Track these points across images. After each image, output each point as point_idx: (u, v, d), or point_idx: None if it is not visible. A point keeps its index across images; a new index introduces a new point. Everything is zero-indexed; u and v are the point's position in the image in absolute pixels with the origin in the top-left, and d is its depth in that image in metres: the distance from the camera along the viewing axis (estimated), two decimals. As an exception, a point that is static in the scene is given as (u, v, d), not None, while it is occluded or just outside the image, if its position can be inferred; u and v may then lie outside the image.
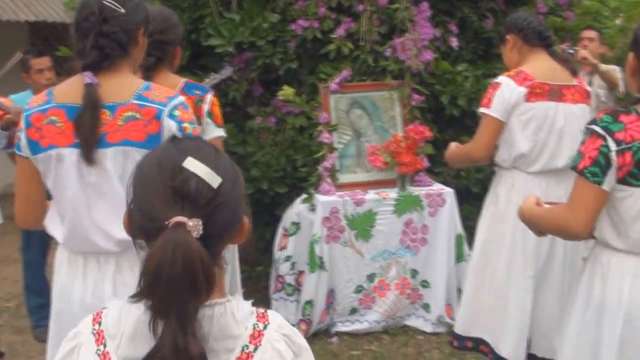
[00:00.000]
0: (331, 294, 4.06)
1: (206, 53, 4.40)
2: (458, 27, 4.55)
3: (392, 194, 4.10)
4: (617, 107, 2.13)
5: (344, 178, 4.18)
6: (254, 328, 1.20)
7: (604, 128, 1.97)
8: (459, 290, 4.25)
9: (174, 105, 1.98)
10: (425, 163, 4.22)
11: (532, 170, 3.06)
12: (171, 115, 1.96)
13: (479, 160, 3.23)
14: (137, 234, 1.18)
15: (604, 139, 1.96)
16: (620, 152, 1.94)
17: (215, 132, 2.60)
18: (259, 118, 4.37)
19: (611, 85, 4.86)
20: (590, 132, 2.00)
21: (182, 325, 1.07)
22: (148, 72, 2.54)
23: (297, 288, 4.13)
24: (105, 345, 1.17)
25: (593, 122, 2.03)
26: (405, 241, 4.12)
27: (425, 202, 4.12)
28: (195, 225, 1.10)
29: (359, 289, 4.10)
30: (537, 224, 2.26)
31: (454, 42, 4.45)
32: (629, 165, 1.94)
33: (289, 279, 4.15)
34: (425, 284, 4.20)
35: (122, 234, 1.95)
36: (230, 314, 1.16)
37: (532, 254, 3.05)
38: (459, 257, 4.25)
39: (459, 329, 3.33)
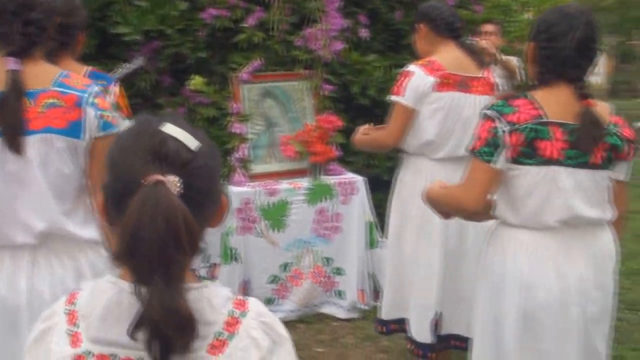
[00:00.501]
0: (246, 285, 4.09)
1: (114, 42, 4.31)
2: (368, 18, 4.65)
3: (305, 183, 4.17)
4: (510, 93, 2.29)
5: (256, 168, 4.22)
6: (230, 315, 1.18)
7: (496, 111, 2.13)
8: (372, 276, 4.40)
9: (93, 93, 1.99)
10: (337, 152, 4.31)
11: (437, 157, 3.20)
12: (92, 104, 1.96)
13: (389, 146, 3.34)
14: (112, 214, 1.15)
15: (496, 121, 2.12)
16: (510, 133, 2.09)
17: (123, 125, 2.56)
18: (168, 109, 4.33)
19: (510, 74, 5.10)
20: (483, 116, 2.17)
21: (168, 285, 1.06)
22: (50, 57, 2.48)
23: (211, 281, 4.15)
24: (77, 326, 1.16)
25: (487, 107, 2.20)
26: (318, 230, 4.21)
27: (338, 191, 4.22)
28: (173, 182, 1.09)
29: (273, 279, 4.16)
30: (438, 205, 2.42)
31: (364, 33, 4.55)
32: (520, 145, 2.10)
33: (203, 272, 4.15)
34: (338, 271, 4.30)
35: (41, 224, 1.94)
36: (205, 299, 1.15)
37: (439, 237, 3.20)
38: (371, 244, 4.38)
39: (383, 314, 3.48)
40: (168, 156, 1.11)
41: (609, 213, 2.24)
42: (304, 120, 4.33)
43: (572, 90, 2.15)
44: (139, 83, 4.30)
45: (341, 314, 4.30)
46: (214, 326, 1.15)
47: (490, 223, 2.46)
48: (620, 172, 2.24)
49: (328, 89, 4.39)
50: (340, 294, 4.31)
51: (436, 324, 3.29)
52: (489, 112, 2.16)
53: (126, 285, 1.12)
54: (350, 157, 4.64)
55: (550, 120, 2.11)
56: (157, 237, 1.05)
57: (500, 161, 2.12)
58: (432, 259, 3.23)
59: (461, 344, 3.29)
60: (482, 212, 2.28)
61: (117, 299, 1.12)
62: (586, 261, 2.19)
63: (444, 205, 2.41)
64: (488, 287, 2.30)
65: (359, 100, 4.58)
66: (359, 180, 4.31)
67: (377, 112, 4.71)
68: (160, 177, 1.08)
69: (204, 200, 1.15)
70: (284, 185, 4.13)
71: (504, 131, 2.10)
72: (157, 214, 1.05)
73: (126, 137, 1.17)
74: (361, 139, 3.41)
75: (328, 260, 4.28)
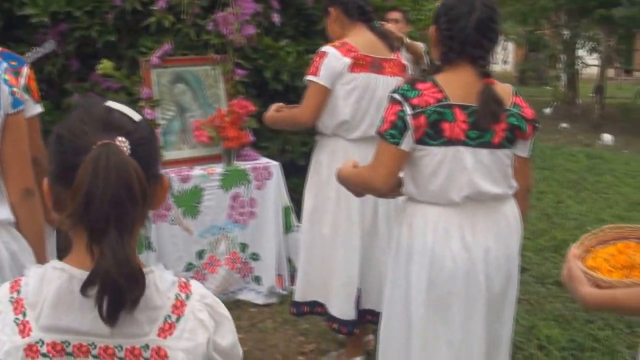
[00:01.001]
0: (161, 273, 4.06)
1: (20, 24, 4.19)
2: (280, 3, 4.67)
3: (219, 169, 4.18)
4: (415, 77, 2.39)
5: (168, 155, 4.19)
6: (177, 298, 1.24)
7: (402, 95, 2.23)
8: (289, 261, 4.45)
9: (2, 69, 1.97)
10: (251, 137, 4.33)
11: (352, 137, 3.28)
12: (4, 80, 1.94)
13: (303, 124, 3.39)
14: (61, 190, 1.18)
15: (401, 104, 2.21)
16: (415, 116, 2.20)
17: (34, 109, 2.50)
18: (76, 95, 4.24)
19: (416, 58, 5.24)
20: (390, 99, 2.26)
21: (122, 237, 1.11)
22: None
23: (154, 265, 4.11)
24: (24, 315, 1.17)
25: (394, 90, 2.29)
26: (234, 215, 4.23)
27: (252, 176, 4.24)
28: (122, 142, 1.16)
29: (189, 267, 4.16)
30: (349, 183, 2.51)
31: (276, 18, 4.58)
32: (424, 127, 2.21)
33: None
34: (255, 256, 4.34)
35: None
36: (153, 285, 1.20)
37: (357, 216, 3.29)
38: (287, 229, 4.44)
39: (297, 297, 3.54)
40: (115, 124, 1.19)
41: (511, 188, 2.38)
42: (216, 105, 4.32)
43: (474, 70, 2.26)
44: (47, 67, 4.20)
45: (259, 299, 4.33)
46: (162, 310, 1.21)
47: (400, 200, 2.58)
48: (523, 149, 2.38)
49: (240, 74, 4.40)
50: (257, 280, 4.35)
51: (357, 301, 3.40)
52: (395, 95, 2.25)
53: (77, 272, 1.16)
54: (264, 142, 4.68)
55: (452, 102, 2.22)
56: (111, 189, 1.11)
57: (406, 143, 2.22)
58: (352, 238, 3.32)
59: (374, 318, 3.42)
60: (391, 190, 2.38)
61: (68, 287, 1.15)
62: (491, 233, 2.31)
63: (354, 185, 2.50)
64: (398, 260, 2.41)
65: (272, 85, 4.62)
66: (273, 165, 4.34)
67: (291, 97, 4.75)
68: (109, 140, 1.15)
69: (147, 173, 1.19)
70: (197, 171, 4.12)
71: (409, 114, 2.20)
72: (110, 168, 1.11)
73: (74, 115, 1.23)
74: (274, 115, 3.46)
75: (244, 246, 4.31)
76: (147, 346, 1.19)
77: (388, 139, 2.23)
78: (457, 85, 2.24)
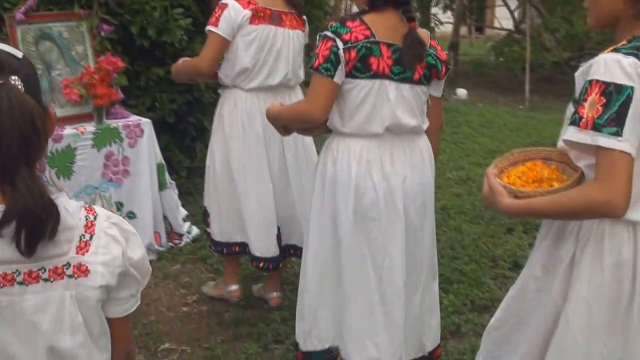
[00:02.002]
0: (34, 236, 4.07)
1: None
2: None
3: (90, 127, 4.20)
4: (344, 17, 2.64)
5: (36, 115, 4.14)
6: (86, 219, 1.40)
7: (333, 32, 2.47)
8: (165, 217, 4.57)
9: None
10: (120, 95, 4.37)
11: (250, 87, 3.47)
12: None
13: (204, 74, 3.51)
14: None
15: (334, 40, 2.46)
16: (346, 50, 2.44)
17: None
18: None
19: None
20: (322, 37, 2.50)
21: (32, 172, 1.24)
22: None
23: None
24: None
25: (325, 29, 2.52)
26: (108, 174, 4.28)
27: (124, 134, 4.30)
28: (15, 79, 1.25)
29: (64, 228, 4.17)
30: (282, 119, 2.73)
31: (140, -29, 4.60)
32: (354, 60, 2.46)
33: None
34: (131, 215, 4.42)
35: None
36: (63, 208, 1.33)
37: (265, 163, 3.54)
38: (162, 186, 4.56)
39: (220, 238, 3.72)
40: (4, 64, 1.29)
41: (424, 124, 2.70)
42: (83, 63, 4.31)
43: (398, 14, 2.55)
44: None
45: (137, 257, 4.42)
46: (76, 230, 1.37)
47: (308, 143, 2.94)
48: (437, 89, 2.72)
49: (106, 30, 4.41)
50: (134, 238, 4.43)
51: (279, 238, 3.66)
52: (327, 33, 2.49)
53: None
54: (133, 100, 4.74)
55: (379, 40, 2.49)
56: (18, 127, 1.22)
57: (339, 76, 2.47)
58: (264, 184, 3.55)
59: (296, 252, 3.73)
60: (323, 124, 2.63)
61: None
62: (408, 164, 2.62)
63: (289, 119, 2.72)
64: (323, 191, 2.67)
65: (138, 41, 4.66)
66: (144, 122, 4.42)
67: (157, 53, 4.84)
68: (3, 80, 1.25)
69: (40, 106, 1.32)
70: (69, 130, 4.12)
71: (341, 49, 2.44)
72: (13, 107, 1.23)
73: None
74: (177, 65, 3.60)
75: (120, 204, 4.38)
76: (68, 264, 1.35)
77: (323, 72, 2.46)
78: (382, 25, 2.51)
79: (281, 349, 3.41)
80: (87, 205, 1.43)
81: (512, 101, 11.75)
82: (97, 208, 1.44)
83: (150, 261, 4.30)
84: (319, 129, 2.73)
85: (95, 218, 1.41)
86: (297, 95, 3.61)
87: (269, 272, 3.83)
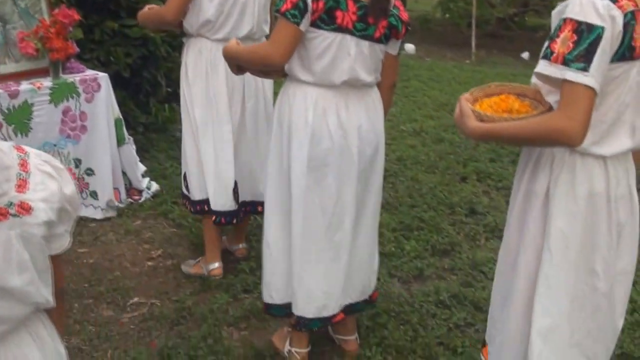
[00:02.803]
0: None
1: None
2: None
3: (47, 82, 4.15)
4: None
5: (-8, 70, 4.08)
6: (20, 158, 1.44)
7: None
8: (124, 174, 4.58)
9: None
10: (76, 48, 4.31)
11: (216, 37, 3.47)
12: None
13: (169, 23, 3.49)
14: None
15: None
16: (315, 0, 2.49)
17: None
18: None
19: None
20: None
21: None
22: None
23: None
24: None
25: None
26: (65, 131, 4.25)
27: (81, 89, 4.27)
28: None
29: (23, 186, 4.14)
30: (240, 59, 2.75)
31: None
32: (321, 11, 2.52)
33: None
34: (90, 171, 4.41)
35: None
36: None
37: (226, 109, 3.53)
38: (120, 141, 4.54)
39: (201, 195, 3.70)
40: None
41: (377, 80, 2.77)
42: (38, 16, 4.24)
43: None
44: None
45: (98, 214, 4.43)
46: (12, 169, 1.43)
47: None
48: (394, 48, 2.78)
49: (59, -18, 4.34)
50: (94, 195, 4.44)
51: (235, 192, 3.67)
52: None
53: None
54: (87, 55, 4.69)
55: None
56: None
57: (304, 24, 2.52)
58: (223, 134, 3.55)
59: (247, 208, 3.77)
60: (280, 69, 2.67)
61: None
62: (362, 113, 2.71)
63: (247, 60, 2.73)
64: (280, 137, 2.74)
65: (92, -6, 4.60)
66: (101, 76, 4.38)
67: (111, 6, 4.79)
68: None
69: None
70: (25, 86, 4.06)
71: None
72: None
73: None
74: (144, 12, 3.57)
75: (78, 161, 4.36)
76: (11, 203, 1.40)
77: (289, 18, 2.50)
78: None
79: (250, 298, 3.49)
80: (16, 145, 1.48)
81: (459, 56, 11.93)
82: (25, 147, 1.50)
83: (111, 218, 4.42)
84: (275, 73, 2.79)
85: (27, 156, 1.47)
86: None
87: (225, 226, 3.84)
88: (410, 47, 11.84)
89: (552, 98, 1.93)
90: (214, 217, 3.65)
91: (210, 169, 3.60)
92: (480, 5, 12.38)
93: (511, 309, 2.09)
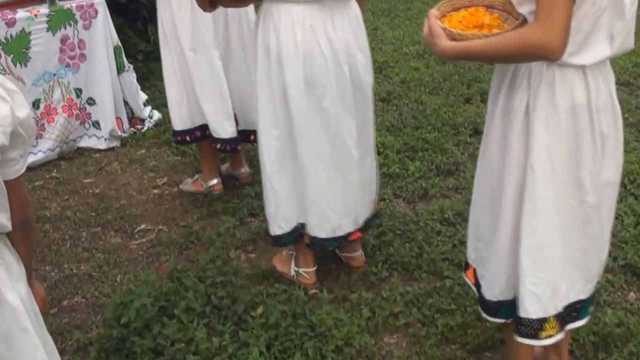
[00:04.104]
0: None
1: None
2: None
3: (43, 9, 4.13)
4: None
5: (-14, -2, 4.05)
6: None
7: None
8: (126, 103, 4.58)
9: None
10: (71, -25, 4.28)
11: None
12: None
13: None
14: None
15: None
16: None
17: None
18: None
19: None
20: None
21: None
22: None
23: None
24: None
25: None
26: (64, 59, 4.25)
27: (78, 15, 4.24)
28: None
29: (24, 117, 4.15)
30: None
31: None
32: None
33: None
34: (91, 101, 4.42)
35: None
36: None
37: (212, 38, 3.48)
38: (120, 69, 4.54)
39: (180, 126, 3.70)
40: None
41: None
42: (31, -60, 4.19)
43: None
44: None
45: (101, 144, 4.47)
46: None
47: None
48: None
49: None
50: (96, 125, 4.46)
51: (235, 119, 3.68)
52: None
53: None
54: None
55: None
56: None
57: None
58: (212, 60, 3.51)
59: (248, 136, 3.76)
60: None
61: None
62: (347, 27, 2.68)
63: None
64: (268, 64, 2.67)
65: None
66: (98, 2, 4.34)
67: None
68: None
69: None
70: (22, 13, 4.04)
71: None
72: None
73: None
74: None
75: (78, 91, 4.37)
76: None
77: None
78: None
79: (257, 221, 3.55)
80: None
81: (462, -24, 11.72)
82: None
83: (114, 147, 4.45)
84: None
85: None
86: None
87: (228, 153, 3.86)
88: (412, -32, 11.62)
89: (525, 8, 1.82)
90: (218, 145, 3.66)
91: (209, 97, 3.57)
92: None
93: (501, 231, 2.05)
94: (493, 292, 2.15)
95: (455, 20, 1.90)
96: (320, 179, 2.79)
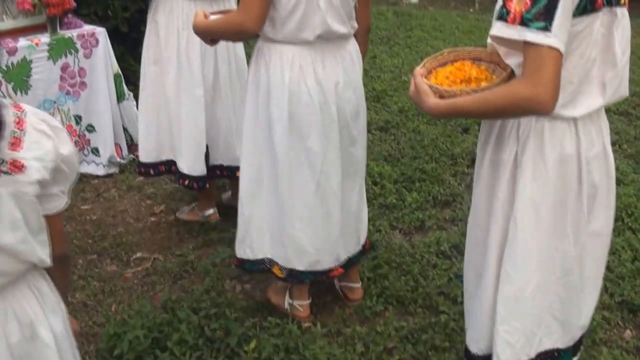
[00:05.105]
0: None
1: None
2: None
3: (44, 38, 4.14)
4: None
5: (-12, 27, 4.06)
6: (16, 116, 1.45)
7: None
8: (125, 130, 4.58)
9: None
10: (73, 3, 4.27)
11: None
12: None
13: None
14: None
15: None
16: None
17: None
18: None
19: None
20: None
21: None
22: None
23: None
24: None
25: None
26: (65, 87, 4.25)
27: (79, 44, 4.25)
28: None
29: (24, 144, 4.15)
30: (212, 33, 2.71)
31: None
32: None
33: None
34: (90, 128, 4.42)
35: None
36: None
37: (199, 73, 3.47)
38: (120, 97, 4.54)
39: (149, 158, 3.69)
40: None
41: (353, 29, 2.72)
42: (33, -30, 4.20)
43: None
44: None
45: (100, 171, 4.46)
46: (7, 127, 1.42)
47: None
48: None
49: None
50: (95, 151, 4.45)
51: (206, 157, 3.65)
52: None
53: None
54: (85, 10, 4.65)
55: None
56: None
57: None
58: (195, 96, 3.50)
59: (223, 172, 3.76)
60: (258, 31, 2.60)
61: None
62: (339, 68, 2.67)
63: (220, 32, 2.69)
64: (257, 98, 2.69)
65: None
66: (99, 31, 4.36)
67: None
68: None
69: None
70: (23, 42, 4.05)
71: None
72: None
73: None
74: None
75: (78, 118, 4.37)
76: (3, 161, 1.41)
77: None
78: None
79: (253, 251, 3.52)
80: (14, 103, 1.47)
81: (463, 4, 11.76)
82: (24, 105, 1.49)
83: (113, 174, 4.43)
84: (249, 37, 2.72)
85: (23, 114, 1.46)
86: (231, 3, 3.51)
87: (194, 191, 3.83)
88: (413, -4, 11.68)
89: (512, 60, 1.78)
90: (186, 182, 3.62)
91: (182, 131, 3.55)
92: (484, -48, 12.16)
93: (485, 282, 2.02)
94: (478, 345, 2.12)
95: (441, 76, 1.86)
96: (301, 215, 2.76)
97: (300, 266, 2.84)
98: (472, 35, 8.55)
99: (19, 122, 1.44)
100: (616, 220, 3.68)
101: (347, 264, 2.98)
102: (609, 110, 5.22)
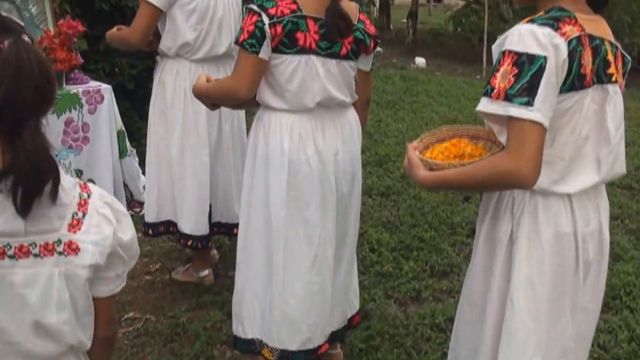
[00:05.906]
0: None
1: None
2: None
3: (50, 93, 4.15)
4: None
5: (-6, 81, 4.09)
6: (80, 197, 1.42)
7: (259, 6, 2.43)
8: (126, 186, 4.57)
9: None
10: (80, 59, 4.32)
11: (195, 57, 3.43)
12: None
13: (133, 45, 3.39)
14: None
15: (259, 15, 2.42)
16: (272, 25, 2.41)
17: None
18: None
19: None
20: (248, 11, 2.46)
21: (38, 124, 1.30)
22: None
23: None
24: None
25: (251, 1, 2.47)
26: (67, 141, 4.25)
27: (84, 100, 4.27)
28: (26, 37, 1.29)
29: (23, 196, 4.14)
30: (209, 96, 2.69)
31: None
32: (280, 36, 2.43)
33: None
34: (91, 182, 4.39)
35: None
36: (59, 183, 1.35)
37: (205, 134, 3.49)
38: (122, 153, 4.54)
39: (150, 218, 3.68)
40: (11, 25, 1.33)
41: (353, 98, 2.71)
42: (43, 27, 4.26)
43: None
44: None
45: (101, 225, 4.42)
46: (69, 207, 1.40)
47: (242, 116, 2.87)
48: (365, 63, 2.72)
49: (65, -8, 4.35)
50: (94, 206, 4.42)
51: (209, 215, 3.65)
52: (252, 7, 2.44)
53: None
54: (92, 65, 4.69)
55: (305, 14, 2.47)
56: (34, 77, 1.28)
57: (264, 51, 2.44)
58: (201, 156, 3.51)
59: (220, 229, 3.77)
60: (251, 99, 2.59)
61: None
62: (338, 137, 2.64)
63: (215, 97, 2.67)
64: (255, 166, 2.65)
65: (98, 5, 4.61)
66: (105, 88, 4.38)
67: (117, 17, 4.79)
68: (17, 37, 1.29)
69: None
70: (28, 95, 4.06)
71: (266, 24, 2.41)
72: (31, 59, 1.28)
73: None
74: (112, 33, 3.50)
75: (79, 172, 4.36)
76: (59, 241, 1.38)
77: (248, 48, 2.42)
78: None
79: (245, 316, 3.46)
80: (81, 183, 1.45)
81: (470, 71, 11.90)
82: (92, 186, 1.46)
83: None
84: (248, 104, 2.70)
85: (89, 196, 1.44)
86: None
87: (196, 251, 3.79)
88: (420, 61, 11.83)
89: (504, 137, 1.78)
90: (189, 242, 3.60)
91: (186, 192, 3.55)
92: (492, 21, 12.35)
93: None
94: None
95: (437, 151, 1.89)
96: (296, 291, 2.66)
97: (292, 346, 2.71)
98: (477, 102, 8.57)
99: (83, 204, 1.41)
100: (614, 298, 3.65)
101: (330, 338, 2.86)
102: (612, 184, 5.20)
